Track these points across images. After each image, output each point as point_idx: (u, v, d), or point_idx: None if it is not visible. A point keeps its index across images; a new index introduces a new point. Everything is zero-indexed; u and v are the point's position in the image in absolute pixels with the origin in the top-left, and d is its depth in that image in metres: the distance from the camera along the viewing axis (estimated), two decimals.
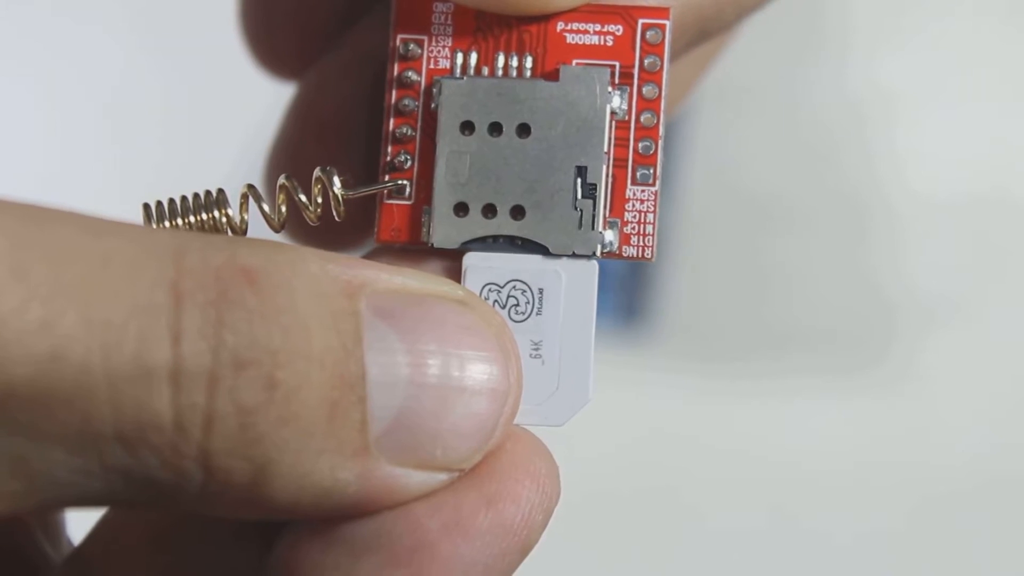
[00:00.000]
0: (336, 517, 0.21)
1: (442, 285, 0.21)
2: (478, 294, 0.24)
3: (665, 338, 0.58)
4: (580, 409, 0.24)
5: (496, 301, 0.24)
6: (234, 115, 0.53)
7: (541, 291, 0.24)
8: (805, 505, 0.57)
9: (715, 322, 0.59)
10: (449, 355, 0.20)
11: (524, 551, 0.22)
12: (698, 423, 0.58)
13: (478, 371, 0.21)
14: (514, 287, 0.24)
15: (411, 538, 0.21)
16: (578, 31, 0.24)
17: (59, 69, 0.58)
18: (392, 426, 0.20)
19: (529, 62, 0.24)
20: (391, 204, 0.24)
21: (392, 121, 0.24)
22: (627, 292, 0.58)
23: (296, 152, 0.28)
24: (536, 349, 0.24)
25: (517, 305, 0.24)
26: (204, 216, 0.23)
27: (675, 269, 0.58)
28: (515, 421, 0.22)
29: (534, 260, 0.24)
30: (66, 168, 0.58)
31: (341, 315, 0.20)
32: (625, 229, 0.24)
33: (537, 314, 0.24)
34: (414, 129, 0.24)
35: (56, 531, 0.26)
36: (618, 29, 0.24)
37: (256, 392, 0.19)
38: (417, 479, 0.21)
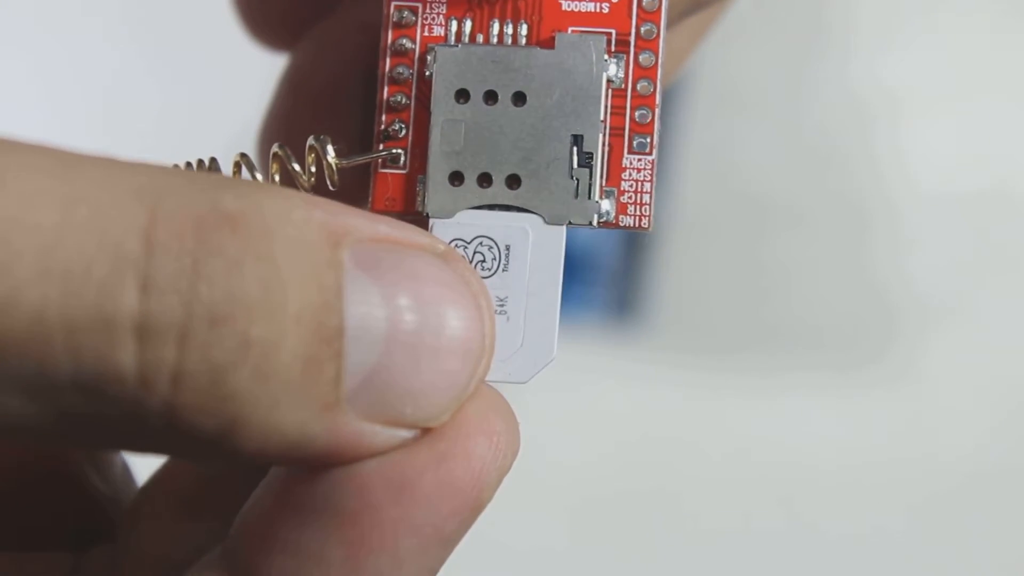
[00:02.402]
0: (298, 464, 0.21)
1: (423, 237, 0.21)
2: None
3: (659, 334, 0.58)
4: (544, 366, 0.23)
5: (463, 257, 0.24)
6: (230, 110, 0.53)
7: (508, 248, 0.24)
8: (802, 502, 0.57)
9: (711, 318, 0.59)
10: (427, 311, 0.20)
11: (476, 510, 0.21)
12: (692, 420, 0.57)
13: (454, 329, 0.20)
14: (480, 243, 0.24)
15: (356, 500, 0.20)
16: None
17: (54, 64, 0.58)
18: (365, 381, 0.20)
19: (524, 30, 0.24)
20: (385, 173, 0.24)
21: (386, 89, 0.24)
22: (620, 287, 0.58)
23: (289, 122, 0.28)
24: (501, 305, 0.23)
25: (483, 261, 0.24)
26: None
27: (671, 264, 0.58)
28: None
29: (502, 217, 0.24)
30: None
31: (324, 265, 0.19)
32: (622, 198, 0.24)
33: (503, 270, 0.24)
34: (408, 97, 0.24)
35: (108, 467, 0.27)
36: None
37: (230, 349, 0.19)
38: (384, 435, 0.20)
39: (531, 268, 0.24)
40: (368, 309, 0.20)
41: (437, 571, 0.22)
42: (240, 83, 0.51)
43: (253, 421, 0.19)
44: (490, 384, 0.22)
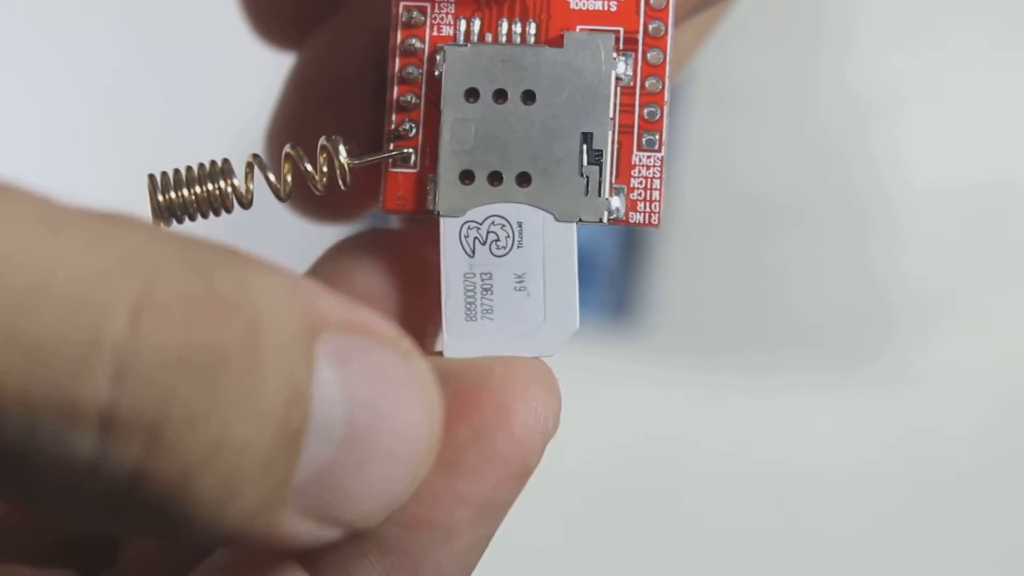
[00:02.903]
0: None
1: (390, 328, 0.20)
2: (457, 235, 0.24)
3: (658, 334, 0.58)
4: (569, 335, 0.24)
5: (476, 238, 0.24)
6: (232, 108, 0.53)
7: (520, 224, 0.24)
8: (802, 502, 0.57)
9: (711, 318, 0.59)
10: (383, 415, 0.20)
11: (524, 476, 0.22)
12: (692, 420, 0.57)
13: (405, 435, 0.20)
14: (493, 222, 0.24)
15: None
16: None
17: (55, 64, 0.58)
18: (312, 479, 0.19)
19: (533, 28, 0.24)
20: (396, 172, 0.24)
21: (396, 89, 0.24)
22: (620, 287, 0.58)
23: (297, 121, 0.28)
24: (520, 282, 0.24)
25: (497, 240, 0.24)
26: (210, 186, 0.23)
27: (670, 264, 0.58)
28: (506, 354, 0.23)
29: (512, 206, 0.24)
30: (64, 164, 0.58)
31: (299, 358, 0.19)
32: (632, 195, 0.24)
33: (518, 247, 0.24)
34: (418, 97, 0.24)
35: None
36: None
37: (202, 451, 0.18)
38: (315, 533, 0.20)
39: (546, 241, 0.24)
40: (330, 407, 0.19)
41: (490, 538, 0.22)
42: (242, 81, 0.51)
43: (202, 515, 0.18)
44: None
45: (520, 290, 0.24)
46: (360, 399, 0.19)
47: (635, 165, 0.24)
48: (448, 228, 0.24)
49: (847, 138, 0.59)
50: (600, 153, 0.24)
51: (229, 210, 0.23)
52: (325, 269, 0.26)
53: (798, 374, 0.58)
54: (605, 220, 0.24)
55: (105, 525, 0.19)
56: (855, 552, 0.56)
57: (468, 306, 0.24)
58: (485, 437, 0.21)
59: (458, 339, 0.24)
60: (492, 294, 0.24)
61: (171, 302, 0.17)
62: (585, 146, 0.24)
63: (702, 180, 0.58)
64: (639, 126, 0.24)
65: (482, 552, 0.22)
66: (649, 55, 0.24)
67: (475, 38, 0.24)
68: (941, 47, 0.60)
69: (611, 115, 0.24)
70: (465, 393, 0.22)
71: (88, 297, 0.17)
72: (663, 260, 0.58)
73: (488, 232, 0.24)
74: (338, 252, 0.26)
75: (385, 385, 0.20)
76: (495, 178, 0.24)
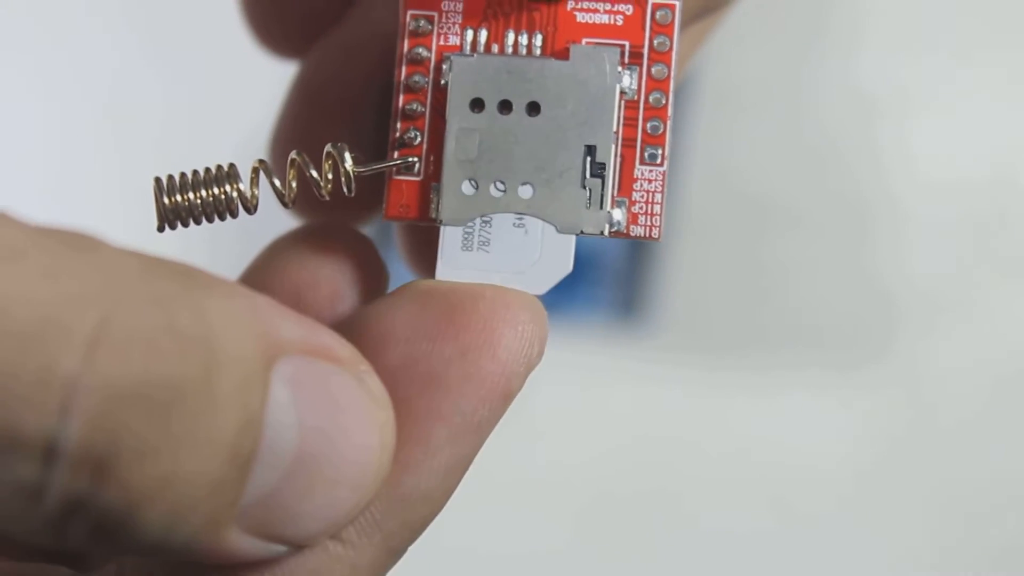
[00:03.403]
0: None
1: (346, 349, 0.20)
2: (459, 236, 0.24)
3: (662, 333, 0.58)
4: (559, 278, 0.24)
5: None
6: (232, 111, 0.53)
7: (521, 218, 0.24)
8: (804, 502, 0.57)
9: (714, 318, 0.59)
10: (334, 441, 0.20)
11: (505, 399, 0.22)
12: (695, 419, 0.58)
13: (353, 460, 0.20)
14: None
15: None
16: (588, 10, 0.24)
17: (56, 65, 0.58)
18: (259, 501, 0.19)
19: (539, 40, 0.24)
20: (400, 180, 0.24)
21: (401, 97, 0.24)
22: (624, 287, 0.58)
23: (300, 129, 0.28)
24: (520, 218, 0.24)
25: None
26: (216, 191, 0.23)
27: (674, 264, 0.58)
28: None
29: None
30: (64, 164, 0.58)
31: (254, 386, 0.19)
32: (633, 208, 0.24)
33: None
34: (424, 105, 0.24)
35: None
36: (628, 9, 0.24)
37: (151, 485, 0.18)
38: (259, 548, 0.20)
39: (546, 244, 0.24)
40: (282, 433, 0.19)
41: (471, 458, 0.22)
42: (243, 82, 0.51)
43: (147, 539, 0.18)
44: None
45: (519, 226, 0.24)
46: (312, 424, 0.19)
47: (637, 179, 0.24)
48: (449, 236, 0.24)
49: (849, 138, 0.60)
50: (603, 166, 0.24)
51: (234, 215, 0.23)
52: (271, 263, 0.26)
53: (801, 374, 0.58)
54: (606, 233, 0.24)
55: (51, 543, 0.19)
56: (856, 552, 0.56)
57: (466, 235, 0.24)
58: (469, 355, 0.21)
59: (451, 267, 0.24)
60: (491, 227, 0.24)
61: (128, 336, 0.17)
62: (588, 158, 0.24)
63: (706, 180, 0.58)
64: (642, 140, 0.24)
65: (461, 474, 0.22)
66: (654, 69, 0.24)
67: (482, 48, 0.24)
68: (942, 47, 0.60)
69: (615, 128, 0.24)
70: (452, 312, 0.22)
71: (43, 329, 0.17)
72: (667, 260, 0.58)
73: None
74: (284, 245, 0.26)
75: (338, 410, 0.20)
76: (498, 188, 0.24)
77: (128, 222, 0.53)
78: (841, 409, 0.58)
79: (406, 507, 0.21)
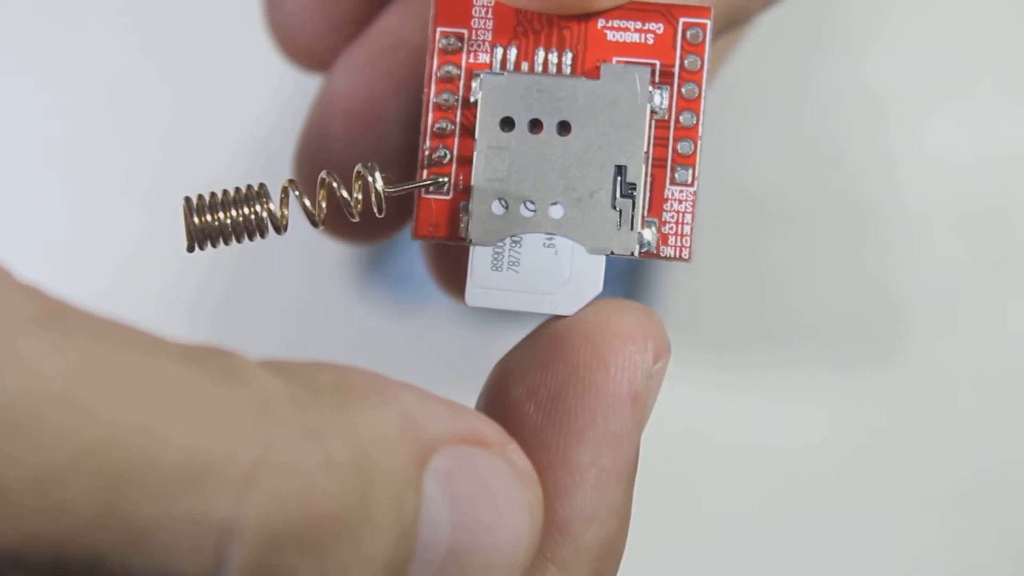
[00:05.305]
0: None
1: (493, 430, 0.20)
2: (490, 253, 0.24)
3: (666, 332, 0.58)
4: (589, 299, 0.24)
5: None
6: (236, 111, 0.53)
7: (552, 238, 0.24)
8: (806, 502, 0.57)
9: (716, 317, 0.59)
10: (486, 528, 0.20)
11: (633, 401, 0.22)
12: (696, 418, 0.58)
13: (505, 548, 0.20)
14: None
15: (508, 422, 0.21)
16: (619, 28, 0.24)
17: (59, 64, 0.58)
18: None
19: (569, 59, 0.24)
20: (429, 199, 0.24)
21: (431, 116, 0.24)
22: (625, 285, 0.58)
23: (325, 144, 0.28)
24: (550, 239, 0.24)
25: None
26: (246, 210, 0.23)
27: (677, 264, 0.58)
28: (523, 310, 0.23)
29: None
30: (68, 165, 0.58)
31: (408, 491, 0.19)
32: (663, 229, 0.24)
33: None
34: (453, 124, 0.24)
35: None
36: (659, 27, 0.24)
37: None
38: None
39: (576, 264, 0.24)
40: (436, 531, 0.19)
41: (626, 470, 0.23)
42: (249, 82, 0.51)
43: None
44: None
45: (548, 247, 0.24)
46: (464, 516, 0.19)
47: (667, 199, 0.24)
48: (479, 256, 0.24)
49: (854, 138, 0.59)
50: (633, 186, 0.24)
51: (264, 235, 0.23)
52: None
53: (804, 373, 0.58)
54: (636, 253, 0.24)
55: None
56: (857, 551, 0.57)
57: (496, 255, 0.24)
58: (580, 370, 0.22)
59: (481, 287, 0.24)
60: (521, 247, 0.24)
61: (284, 476, 0.17)
62: (619, 178, 0.24)
63: (711, 179, 0.58)
64: (672, 160, 0.24)
65: (621, 487, 0.23)
66: (684, 89, 0.24)
67: (512, 67, 0.24)
68: (944, 46, 0.60)
69: (645, 148, 0.24)
70: (558, 338, 0.22)
71: (198, 473, 0.16)
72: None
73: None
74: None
75: (488, 497, 0.20)
76: (528, 208, 0.24)
77: (133, 222, 0.53)
78: (843, 409, 0.58)
79: (568, 533, 0.22)
